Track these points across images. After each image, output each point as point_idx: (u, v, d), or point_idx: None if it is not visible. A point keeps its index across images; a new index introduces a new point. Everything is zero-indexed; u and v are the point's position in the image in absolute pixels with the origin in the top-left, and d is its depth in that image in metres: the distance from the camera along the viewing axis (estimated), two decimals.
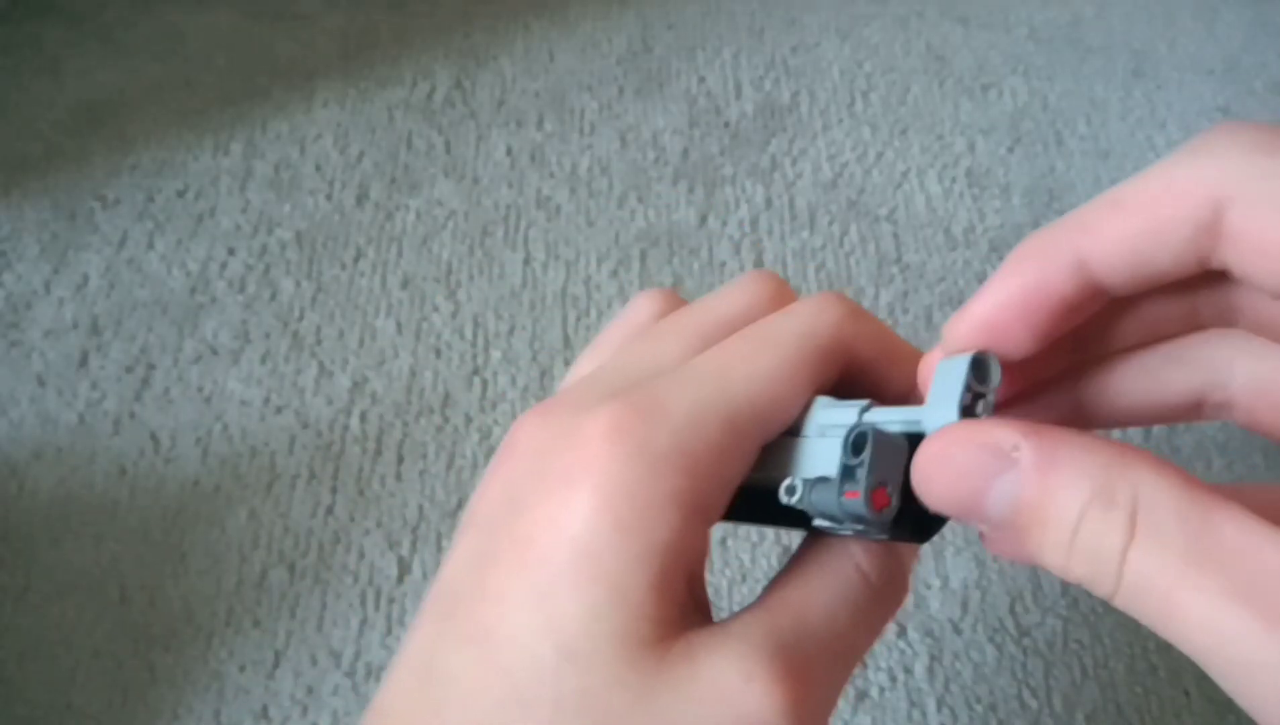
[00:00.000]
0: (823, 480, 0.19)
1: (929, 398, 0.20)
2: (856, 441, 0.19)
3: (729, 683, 0.19)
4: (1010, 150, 0.64)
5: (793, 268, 0.57)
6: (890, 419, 0.20)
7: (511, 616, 0.19)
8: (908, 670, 0.43)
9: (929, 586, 0.45)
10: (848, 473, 0.19)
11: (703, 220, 0.60)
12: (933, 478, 0.18)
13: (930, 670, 0.43)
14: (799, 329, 0.21)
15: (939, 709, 0.42)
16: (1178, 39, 0.72)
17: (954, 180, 0.62)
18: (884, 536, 0.20)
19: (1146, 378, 0.21)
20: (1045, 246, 0.19)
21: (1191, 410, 0.22)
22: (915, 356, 0.22)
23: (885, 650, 0.44)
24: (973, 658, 0.43)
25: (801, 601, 0.20)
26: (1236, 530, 0.15)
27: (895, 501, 0.19)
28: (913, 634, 0.44)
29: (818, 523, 0.20)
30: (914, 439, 0.19)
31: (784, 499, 0.19)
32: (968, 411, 0.19)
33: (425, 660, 0.20)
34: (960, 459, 0.18)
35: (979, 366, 0.19)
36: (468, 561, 0.21)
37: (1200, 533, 0.15)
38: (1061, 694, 0.43)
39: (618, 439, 0.19)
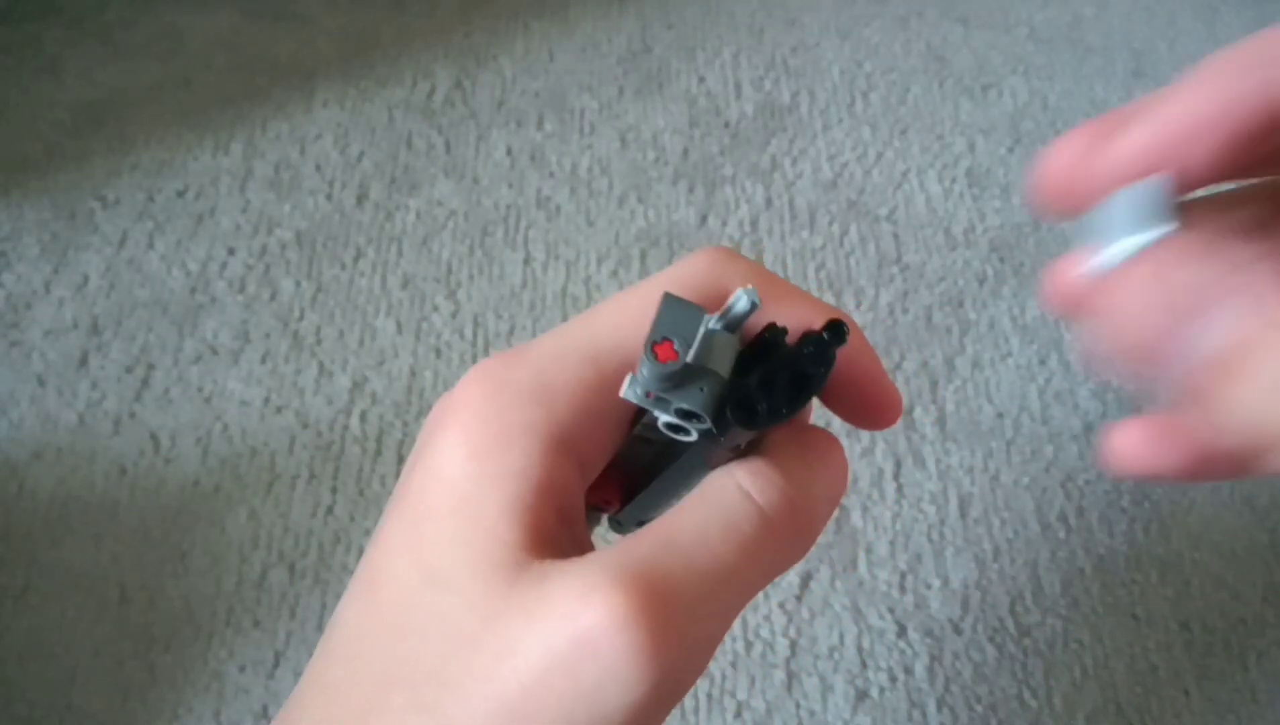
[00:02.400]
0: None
1: (1101, 228, 0.17)
2: None
3: (570, 599, 0.18)
4: (1010, 150, 0.64)
5: (793, 268, 0.57)
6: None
7: (390, 557, 0.20)
8: (908, 670, 0.43)
9: (929, 586, 0.45)
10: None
11: (703, 220, 0.60)
12: (1125, 314, 0.16)
13: (930, 670, 0.43)
14: (669, 274, 0.22)
15: (939, 709, 0.42)
16: (1178, 39, 0.72)
17: (954, 180, 0.62)
18: (708, 424, 0.19)
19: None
20: (1247, 59, 0.17)
21: None
22: (793, 291, 0.22)
23: (885, 650, 0.44)
24: (973, 658, 0.43)
25: (671, 524, 0.19)
26: None
27: (683, 355, 0.18)
28: (913, 634, 0.44)
29: (662, 422, 0.20)
30: (730, 323, 0.19)
31: (620, 393, 0.19)
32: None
33: (333, 617, 0.22)
34: (1160, 293, 0.16)
35: (1146, 190, 0.17)
36: (378, 525, 0.22)
37: None
38: (1061, 694, 0.43)
39: (482, 380, 0.20)
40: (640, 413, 0.21)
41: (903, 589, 0.45)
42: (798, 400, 0.19)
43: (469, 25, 0.72)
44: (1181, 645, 0.44)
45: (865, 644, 0.44)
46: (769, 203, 0.61)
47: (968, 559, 0.46)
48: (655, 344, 0.18)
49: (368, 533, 0.47)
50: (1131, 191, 0.17)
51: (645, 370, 0.19)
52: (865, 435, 0.50)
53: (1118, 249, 0.17)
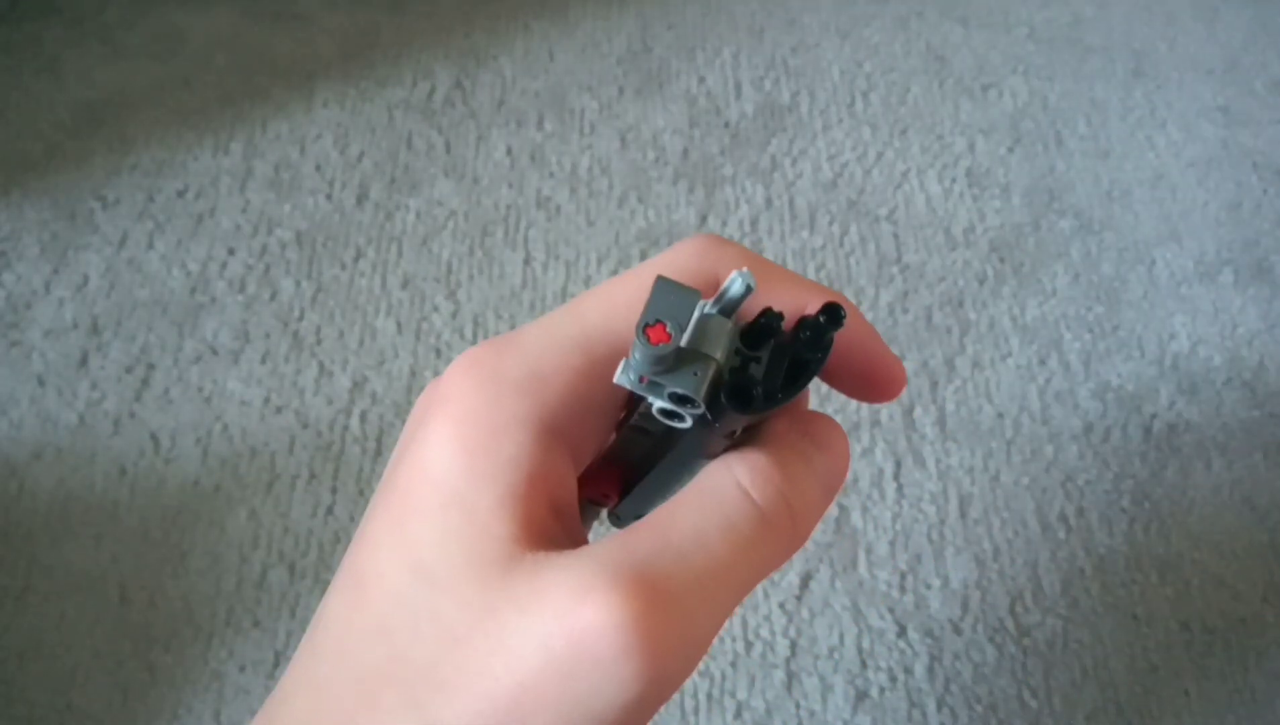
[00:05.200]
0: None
1: None
2: None
3: (565, 597, 0.18)
4: (1010, 150, 0.64)
5: (793, 268, 0.57)
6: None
7: (378, 554, 0.20)
8: (908, 670, 0.43)
9: (929, 586, 0.45)
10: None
11: (703, 220, 0.60)
12: None
13: (930, 670, 0.43)
14: (659, 261, 0.21)
15: (939, 709, 0.42)
16: (1178, 39, 0.72)
17: (954, 180, 0.62)
18: (702, 409, 0.19)
19: None
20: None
21: None
22: (787, 275, 0.22)
23: (885, 650, 0.44)
24: (973, 658, 0.43)
25: (667, 519, 0.19)
26: None
27: (675, 338, 0.18)
28: (913, 634, 0.44)
29: (656, 408, 0.19)
30: (725, 306, 0.19)
31: (615, 379, 0.19)
32: None
33: (317, 613, 0.21)
34: None
35: None
36: (362, 520, 0.21)
37: None
38: (1061, 694, 0.43)
39: (470, 370, 0.20)
40: (636, 403, 0.21)
41: (903, 589, 0.45)
42: (795, 385, 0.19)
43: (469, 25, 0.72)
44: (1181, 645, 0.44)
45: (865, 644, 0.44)
46: (769, 203, 0.61)
47: (968, 559, 0.46)
48: (648, 326, 0.18)
49: None
50: None
51: (638, 353, 0.18)
52: (865, 435, 0.50)
53: None
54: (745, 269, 0.18)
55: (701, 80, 0.68)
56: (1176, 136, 0.65)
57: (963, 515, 0.48)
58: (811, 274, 0.57)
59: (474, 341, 0.54)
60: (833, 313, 0.19)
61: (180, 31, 0.71)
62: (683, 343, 0.18)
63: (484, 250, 0.58)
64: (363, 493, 0.48)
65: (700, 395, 0.18)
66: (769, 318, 0.19)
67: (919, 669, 0.43)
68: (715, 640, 0.20)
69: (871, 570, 0.46)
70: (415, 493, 0.20)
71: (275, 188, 0.62)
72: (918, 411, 0.51)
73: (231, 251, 0.58)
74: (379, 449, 0.50)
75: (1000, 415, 0.51)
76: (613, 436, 0.23)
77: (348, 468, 0.49)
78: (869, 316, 0.55)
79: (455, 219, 0.60)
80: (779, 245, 0.58)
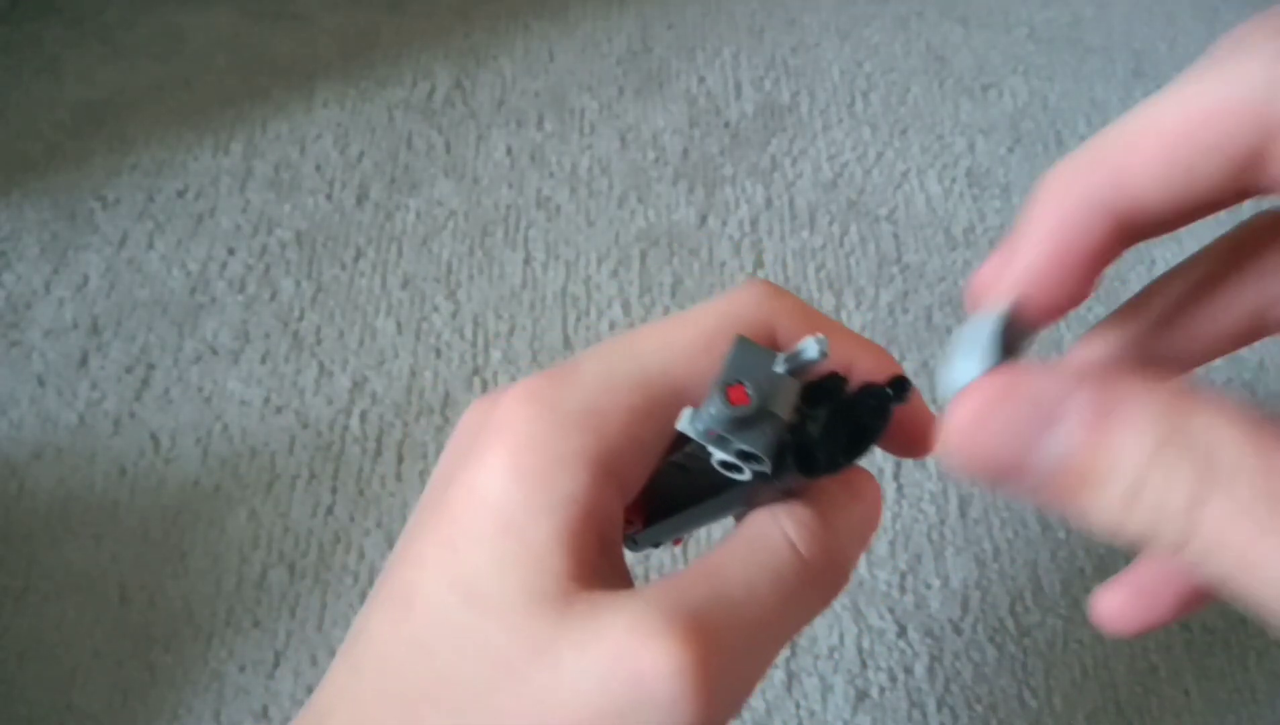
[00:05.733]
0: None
1: (952, 359, 0.18)
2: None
3: (626, 640, 0.18)
4: (1010, 150, 0.64)
5: (793, 268, 0.57)
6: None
7: (426, 572, 0.20)
8: (908, 670, 0.43)
9: (929, 586, 0.45)
10: (714, 380, 0.19)
11: (703, 220, 0.60)
12: (970, 440, 0.16)
13: (930, 670, 0.43)
14: (718, 307, 0.22)
15: (939, 709, 0.42)
16: (1178, 39, 0.72)
17: (954, 180, 0.62)
18: (768, 467, 0.19)
19: (1200, 308, 0.20)
20: (1074, 190, 0.18)
21: (1253, 331, 0.20)
22: (844, 332, 0.22)
23: (885, 650, 0.44)
24: (973, 658, 0.43)
25: (718, 567, 0.20)
26: None
27: (755, 400, 0.19)
28: (913, 634, 0.44)
29: (716, 459, 0.20)
30: (796, 369, 0.19)
31: (677, 425, 0.20)
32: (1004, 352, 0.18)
33: (356, 626, 0.21)
34: (1003, 416, 0.16)
35: (1011, 323, 0.18)
36: (404, 536, 0.22)
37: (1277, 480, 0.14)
38: (1061, 694, 0.43)
39: (529, 401, 0.20)
40: (681, 440, 0.21)
41: (903, 589, 0.45)
42: (856, 451, 0.19)
43: (469, 25, 0.72)
44: (1181, 645, 0.44)
45: (865, 644, 0.44)
46: (769, 203, 0.61)
47: (968, 559, 0.46)
48: (728, 386, 0.19)
49: (368, 533, 0.47)
50: (971, 325, 0.18)
51: (714, 411, 0.19)
52: None
53: (953, 379, 0.18)
54: (821, 336, 0.19)
55: (701, 80, 0.68)
56: None
57: (963, 515, 0.48)
58: (811, 274, 0.57)
59: (474, 341, 0.54)
60: (901, 386, 0.20)
61: (180, 31, 0.71)
62: (759, 404, 0.19)
63: (484, 250, 0.58)
64: (362, 493, 0.48)
65: (768, 454, 0.19)
66: (834, 382, 0.20)
67: (919, 669, 0.43)
68: (758, 682, 0.20)
69: (871, 570, 0.46)
70: (468, 517, 0.20)
71: (275, 188, 0.62)
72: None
73: (231, 251, 0.58)
74: (379, 449, 0.50)
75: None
76: None
77: (348, 468, 0.49)
78: (869, 316, 0.55)
79: (455, 219, 0.60)
80: (779, 245, 0.58)
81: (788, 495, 0.21)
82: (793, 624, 0.20)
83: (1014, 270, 0.18)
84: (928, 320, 0.55)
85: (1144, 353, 0.21)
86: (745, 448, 0.19)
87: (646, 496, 0.23)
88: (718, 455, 0.20)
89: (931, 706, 0.42)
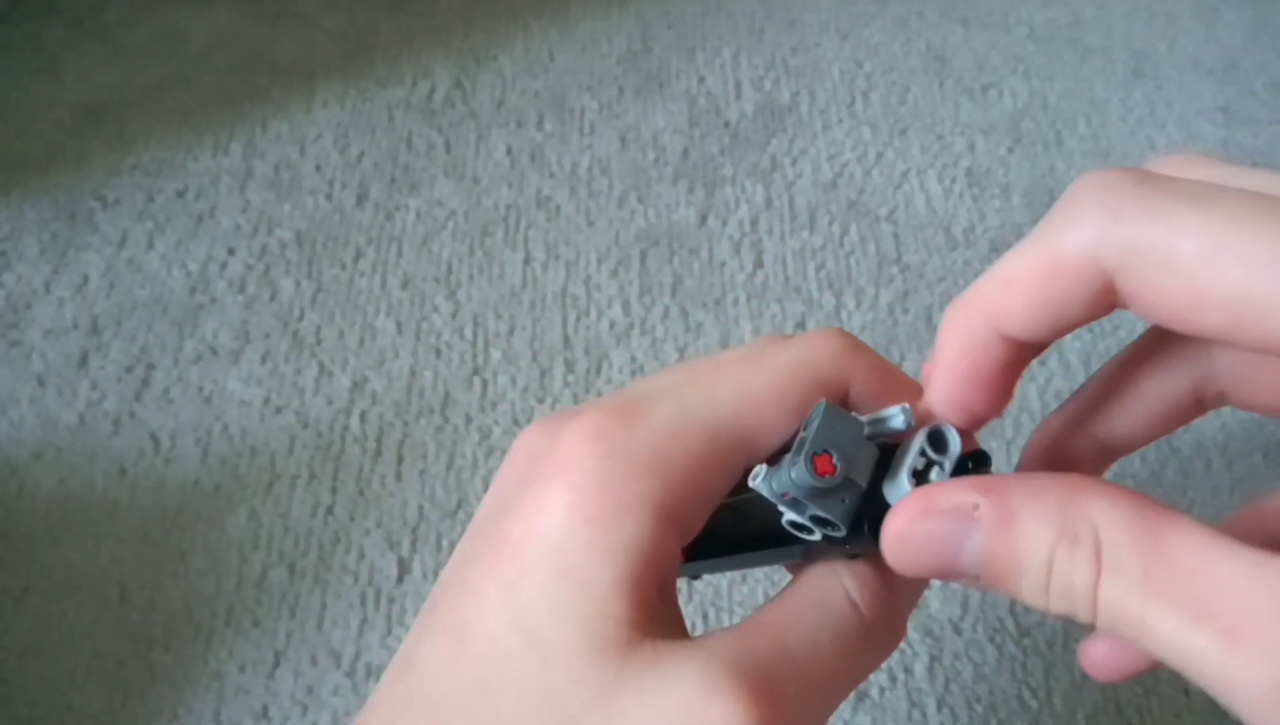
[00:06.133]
0: (782, 460, 0.19)
1: (892, 478, 0.20)
2: (810, 417, 0.19)
3: (692, 695, 0.18)
4: (1010, 150, 0.64)
5: (793, 268, 0.57)
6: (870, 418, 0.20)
7: (484, 609, 0.20)
8: (908, 670, 0.43)
9: (929, 586, 0.45)
10: (799, 446, 0.19)
11: (703, 220, 0.60)
12: (902, 552, 0.19)
13: (930, 670, 0.43)
14: (793, 356, 0.22)
15: (939, 709, 0.42)
16: (1178, 39, 0.72)
17: (954, 180, 0.62)
18: (843, 534, 0.19)
19: (1139, 396, 0.22)
20: (966, 323, 0.20)
21: (1194, 408, 0.22)
22: (915, 387, 0.22)
23: None
24: (973, 658, 0.43)
25: (782, 624, 0.20)
26: (1188, 551, 0.16)
27: (841, 471, 0.19)
28: (913, 634, 0.44)
29: (786, 519, 0.20)
30: (877, 436, 0.20)
31: (750, 481, 0.20)
32: (920, 479, 0.19)
33: (406, 654, 0.21)
34: (925, 529, 0.18)
35: (933, 438, 0.20)
36: (455, 562, 0.21)
37: (1154, 559, 0.16)
38: (1061, 694, 0.43)
39: (596, 439, 0.20)
40: (746, 489, 0.21)
41: None
42: None
43: (469, 25, 0.72)
44: None
45: None
46: (769, 203, 0.61)
47: None
48: (815, 456, 0.18)
49: (368, 533, 0.47)
50: (902, 447, 0.20)
51: (795, 476, 0.18)
52: None
53: (890, 498, 0.20)
54: (907, 406, 0.19)
55: (701, 80, 0.68)
56: (1176, 137, 0.65)
57: None
58: (811, 274, 0.57)
59: (474, 341, 0.54)
60: (981, 459, 0.21)
61: (180, 31, 0.71)
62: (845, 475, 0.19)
63: (484, 250, 0.58)
64: (362, 493, 0.48)
65: (845, 522, 0.19)
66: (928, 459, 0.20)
67: (919, 669, 0.43)
68: None
69: None
70: (528, 555, 0.20)
71: (275, 188, 0.62)
72: None
73: (231, 251, 0.58)
74: (379, 449, 0.50)
75: (1000, 415, 0.51)
76: None
77: (348, 468, 0.49)
78: (869, 316, 0.55)
79: (455, 219, 0.60)
80: (779, 245, 0.58)
81: (851, 555, 0.21)
82: (851, 682, 0.21)
83: (930, 393, 0.21)
84: (928, 320, 0.55)
85: (1087, 436, 0.23)
86: (821, 514, 0.19)
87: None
88: (789, 516, 0.20)
89: (931, 706, 0.42)
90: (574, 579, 0.19)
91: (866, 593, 0.21)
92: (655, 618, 0.19)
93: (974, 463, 0.20)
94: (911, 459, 0.19)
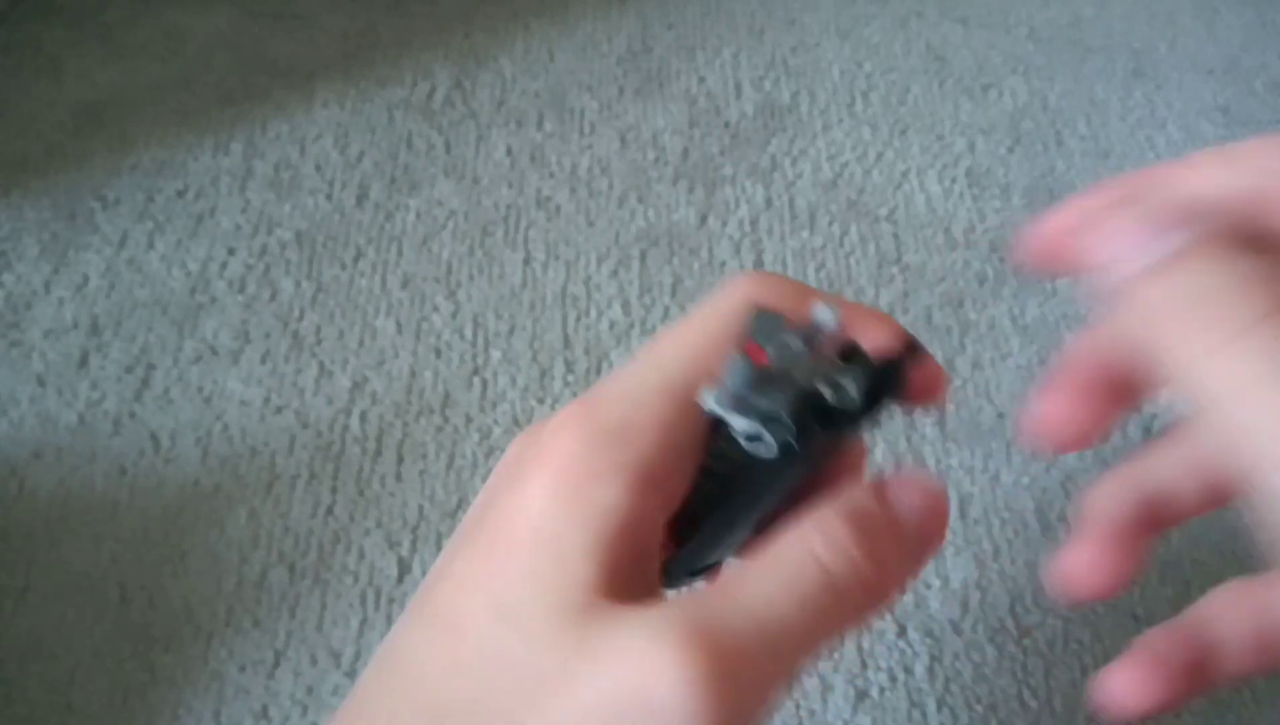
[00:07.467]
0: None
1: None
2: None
3: (636, 651, 0.18)
4: (1010, 150, 0.64)
5: (793, 268, 0.57)
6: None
7: (463, 593, 0.20)
8: (908, 670, 0.43)
9: (929, 586, 0.45)
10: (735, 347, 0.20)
11: (703, 220, 0.60)
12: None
13: (930, 670, 0.43)
14: (718, 304, 0.23)
15: (939, 709, 0.42)
16: (1178, 39, 0.72)
17: (954, 180, 0.62)
18: (794, 431, 0.20)
19: (1178, 471, 0.24)
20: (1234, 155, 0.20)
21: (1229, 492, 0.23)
22: (841, 300, 0.23)
23: (885, 650, 0.44)
24: (973, 658, 0.43)
25: (739, 583, 0.20)
26: None
27: (774, 357, 0.20)
28: (913, 634, 0.44)
29: (741, 433, 0.21)
30: (810, 337, 0.20)
31: (700, 400, 0.20)
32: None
33: (390, 643, 0.22)
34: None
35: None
36: (442, 557, 0.22)
37: None
38: (1061, 694, 0.43)
39: (570, 426, 0.21)
40: (710, 443, 0.22)
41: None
42: (873, 404, 0.21)
43: (469, 25, 0.72)
44: None
45: (865, 644, 0.44)
46: (769, 203, 0.61)
47: (968, 559, 0.46)
48: (746, 346, 0.19)
49: (368, 533, 0.47)
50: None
51: (734, 371, 0.19)
52: (865, 435, 0.50)
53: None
54: (832, 303, 0.20)
55: (701, 80, 0.68)
56: (1176, 137, 0.65)
57: (963, 515, 0.48)
58: (811, 274, 0.57)
59: (474, 341, 0.54)
60: (913, 349, 0.21)
61: (180, 31, 0.71)
62: (776, 363, 0.20)
63: (484, 250, 0.58)
64: (362, 493, 0.48)
65: (789, 415, 0.20)
66: (853, 349, 0.21)
67: (919, 669, 0.43)
68: (780, 696, 0.20)
69: None
70: (508, 534, 0.20)
71: (275, 188, 0.62)
72: (917, 412, 0.51)
73: (231, 251, 0.58)
74: (379, 449, 0.50)
75: (1000, 415, 0.51)
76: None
77: (348, 468, 0.49)
78: None
79: (455, 219, 0.60)
80: (779, 245, 0.58)
81: (823, 513, 0.21)
82: (817, 638, 0.20)
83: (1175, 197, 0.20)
84: (928, 320, 0.55)
85: (1138, 504, 0.24)
86: (768, 409, 0.20)
87: (678, 518, 0.23)
88: (739, 424, 0.20)
89: (931, 707, 0.42)
90: (548, 550, 0.20)
91: (832, 550, 0.21)
92: (627, 583, 0.20)
93: (909, 352, 0.22)
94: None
